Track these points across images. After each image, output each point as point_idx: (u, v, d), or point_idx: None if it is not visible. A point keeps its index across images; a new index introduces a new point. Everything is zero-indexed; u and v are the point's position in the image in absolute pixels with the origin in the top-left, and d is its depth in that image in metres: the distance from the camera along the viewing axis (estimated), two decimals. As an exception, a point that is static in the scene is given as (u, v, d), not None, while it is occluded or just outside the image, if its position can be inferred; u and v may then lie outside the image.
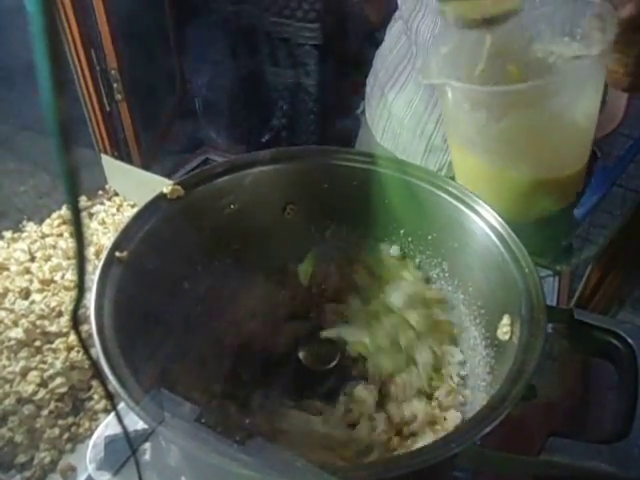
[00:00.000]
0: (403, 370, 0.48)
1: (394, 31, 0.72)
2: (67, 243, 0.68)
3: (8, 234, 0.70)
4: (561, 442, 0.34)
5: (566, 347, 0.44)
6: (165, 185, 0.48)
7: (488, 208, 0.48)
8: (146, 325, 0.44)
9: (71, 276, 0.63)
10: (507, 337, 0.42)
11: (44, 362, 0.54)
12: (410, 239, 0.54)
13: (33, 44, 0.18)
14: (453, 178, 0.68)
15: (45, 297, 0.60)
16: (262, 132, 1.15)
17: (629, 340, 0.40)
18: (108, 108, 0.83)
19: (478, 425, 0.33)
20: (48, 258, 0.66)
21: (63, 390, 0.52)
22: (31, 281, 0.62)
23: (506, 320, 0.43)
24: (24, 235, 0.71)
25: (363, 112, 0.83)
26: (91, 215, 0.75)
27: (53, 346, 0.55)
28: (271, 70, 1.10)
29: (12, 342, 0.54)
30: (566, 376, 0.51)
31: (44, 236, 0.71)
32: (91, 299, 0.39)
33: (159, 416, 0.33)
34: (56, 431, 0.51)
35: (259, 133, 1.15)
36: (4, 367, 0.53)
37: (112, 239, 0.43)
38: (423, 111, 0.68)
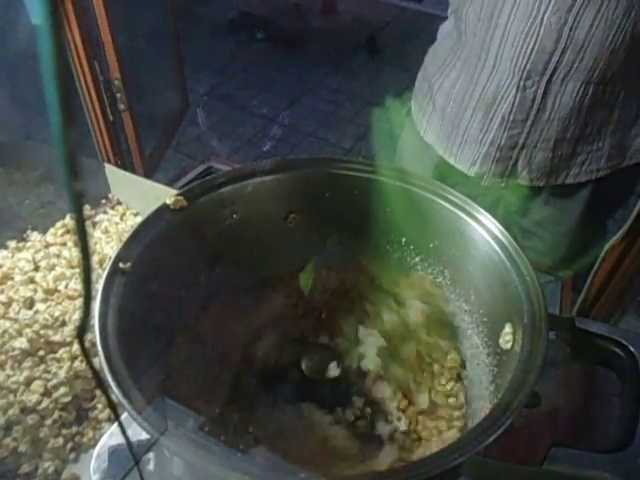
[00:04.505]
0: (404, 379, 0.49)
1: (445, 26, 0.74)
2: (71, 252, 0.69)
3: (12, 243, 0.71)
4: (564, 452, 0.34)
5: (569, 355, 0.44)
6: (167, 193, 0.49)
7: (489, 216, 0.48)
8: (149, 335, 0.44)
9: (75, 285, 0.63)
10: (509, 345, 0.42)
11: (48, 372, 0.54)
12: (412, 247, 0.55)
13: (39, 55, 0.19)
14: (484, 174, 0.69)
15: (49, 307, 0.60)
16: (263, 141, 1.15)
17: (631, 348, 0.40)
18: (111, 118, 0.84)
19: (481, 435, 0.33)
20: (52, 267, 0.66)
21: (67, 399, 0.53)
22: (35, 290, 0.63)
23: (508, 328, 0.43)
24: (28, 244, 0.71)
25: (409, 112, 0.83)
26: (94, 224, 0.76)
27: (57, 355, 0.56)
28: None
29: (16, 352, 0.54)
30: (569, 384, 0.51)
31: (48, 245, 0.71)
32: (95, 309, 0.39)
33: (162, 426, 0.34)
34: (60, 441, 0.51)
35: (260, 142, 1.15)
36: (8, 377, 0.53)
37: (116, 250, 0.44)
38: (462, 97, 0.68)
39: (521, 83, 0.61)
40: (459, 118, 0.69)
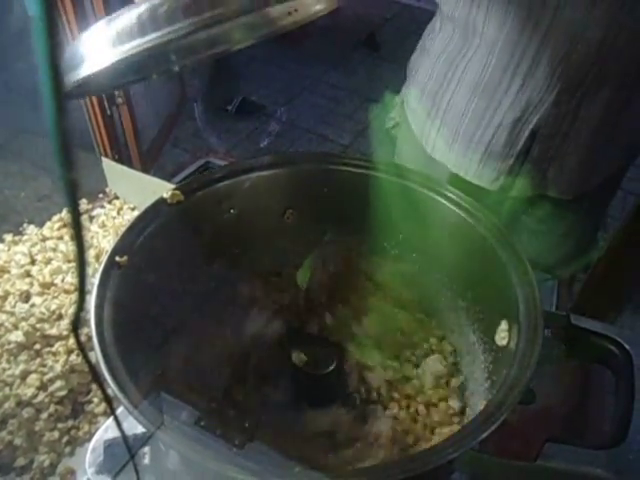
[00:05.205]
0: (401, 375, 0.49)
1: (441, 37, 0.67)
2: (67, 246, 0.69)
3: (9, 237, 0.70)
4: (558, 448, 0.34)
5: (564, 352, 0.44)
6: (165, 188, 0.49)
7: (487, 213, 0.48)
8: (146, 329, 0.44)
9: (71, 279, 0.63)
10: (505, 342, 0.42)
11: (44, 365, 0.54)
12: (409, 244, 0.55)
13: (35, 47, 0.19)
14: (510, 187, 0.66)
15: (45, 300, 0.60)
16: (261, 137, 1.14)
17: (626, 346, 0.40)
18: (109, 111, 0.83)
19: (475, 431, 0.33)
20: (48, 261, 0.66)
21: (63, 393, 0.53)
22: (31, 284, 0.63)
23: (504, 325, 0.43)
24: (25, 238, 0.71)
25: (395, 127, 0.79)
26: (91, 218, 0.76)
27: (53, 349, 0.55)
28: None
29: (12, 345, 0.54)
30: (564, 381, 0.51)
31: (44, 239, 0.71)
32: (91, 303, 0.39)
33: (158, 420, 0.34)
34: (55, 434, 0.51)
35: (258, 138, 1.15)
36: (4, 370, 0.53)
37: (112, 244, 0.43)
38: (482, 114, 0.63)
39: (556, 98, 0.57)
40: (479, 135, 0.64)
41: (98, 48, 0.33)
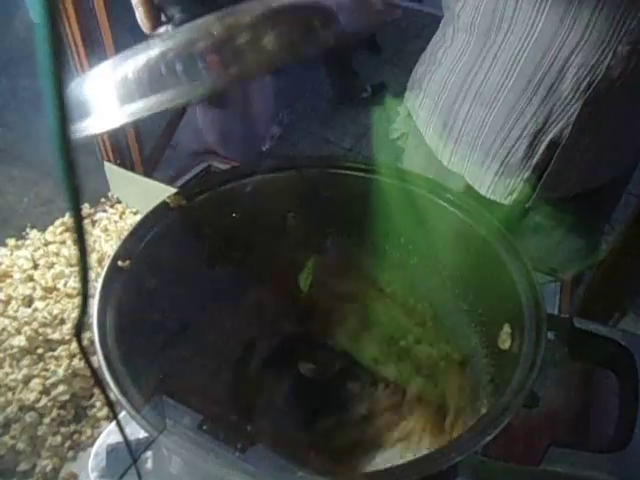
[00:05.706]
0: (404, 379, 0.49)
1: (453, 48, 0.64)
2: (70, 250, 0.69)
3: (11, 241, 0.71)
4: (562, 452, 0.34)
5: (567, 355, 0.44)
6: (167, 192, 0.49)
7: (489, 216, 0.48)
8: (148, 333, 0.44)
9: (74, 284, 0.63)
10: (507, 346, 0.42)
11: (46, 370, 0.54)
12: (410, 247, 0.55)
13: (38, 53, 0.19)
14: (526, 200, 0.65)
15: (48, 305, 0.60)
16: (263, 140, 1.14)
17: (630, 349, 0.40)
18: (111, 116, 0.84)
19: (479, 435, 0.33)
20: (51, 265, 0.66)
21: (65, 398, 0.53)
22: (34, 289, 0.63)
23: (507, 329, 0.43)
24: (27, 242, 0.71)
25: (401, 138, 0.78)
26: (94, 222, 0.76)
27: (55, 354, 0.56)
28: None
29: (15, 350, 0.54)
30: (568, 384, 0.51)
31: (47, 243, 0.71)
32: (93, 307, 0.39)
33: (160, 424, 0.34)
34: (58, 439, 0.51)
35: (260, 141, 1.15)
36: (7, 375, 0.53)
37: (114, 248, 0.44)
38: (501, 125, 0.61)
39: (580, 109, 0.56)
40: (497, 147, 0.63)
41: (105, 103, 0.30)
